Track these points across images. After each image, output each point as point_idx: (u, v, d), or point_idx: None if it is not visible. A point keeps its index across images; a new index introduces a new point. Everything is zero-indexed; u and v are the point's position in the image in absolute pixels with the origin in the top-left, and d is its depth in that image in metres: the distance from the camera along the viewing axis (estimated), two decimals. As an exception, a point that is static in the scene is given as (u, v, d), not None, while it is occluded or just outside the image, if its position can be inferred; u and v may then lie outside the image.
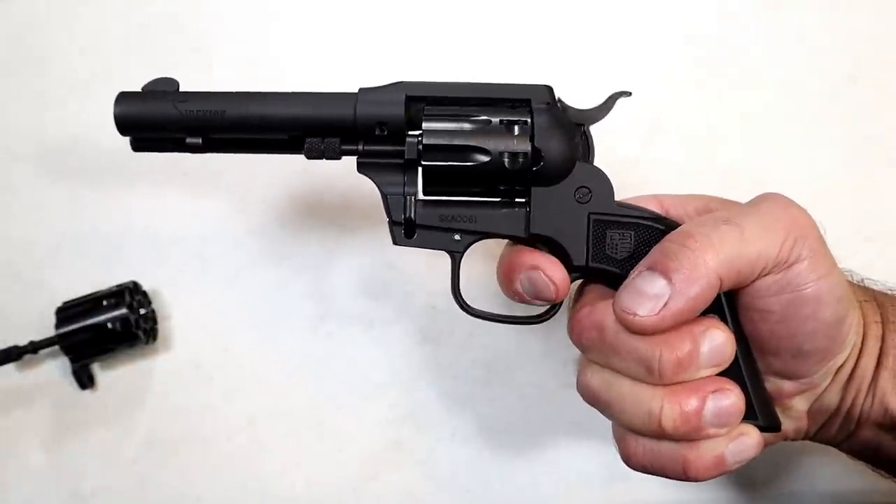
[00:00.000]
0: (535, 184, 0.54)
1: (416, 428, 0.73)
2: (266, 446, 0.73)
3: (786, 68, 0.76)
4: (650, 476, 0.51)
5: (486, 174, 0.53)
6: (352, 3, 0.77)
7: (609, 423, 0.53)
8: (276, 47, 0.76)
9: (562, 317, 0.57)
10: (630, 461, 0.52)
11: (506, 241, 0.57)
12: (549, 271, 0.54)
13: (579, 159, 0.55)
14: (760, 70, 0.76)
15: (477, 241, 0.56)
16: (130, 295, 0.70)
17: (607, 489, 0.73)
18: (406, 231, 0.55)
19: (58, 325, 0.69)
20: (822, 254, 0.50)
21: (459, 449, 0.73)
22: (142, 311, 0.71)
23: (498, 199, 0.55)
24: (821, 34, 0.77)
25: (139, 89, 0.56)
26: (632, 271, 0.50)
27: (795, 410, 0.54)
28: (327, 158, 0.55)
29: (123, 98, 0.55)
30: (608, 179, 0.55)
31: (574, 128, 0.55)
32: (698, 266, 0.48)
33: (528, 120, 0.53)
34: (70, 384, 0.72)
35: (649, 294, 0.48)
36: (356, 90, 0.55)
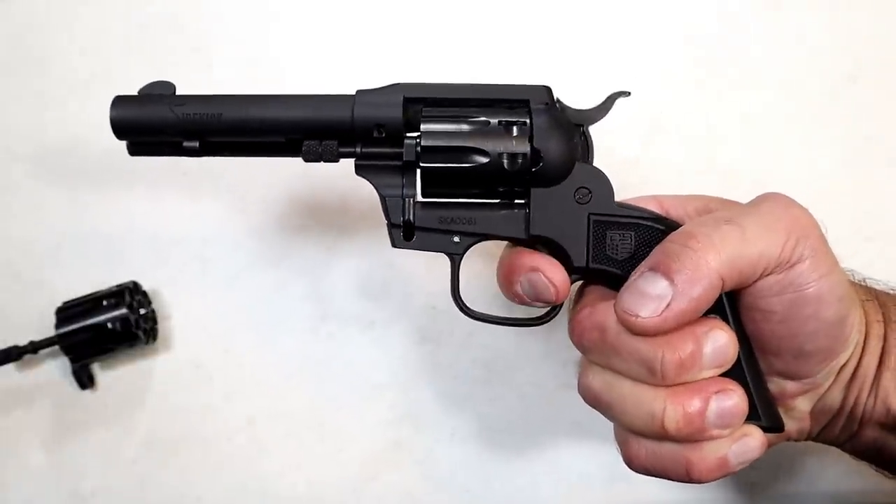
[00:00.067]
0: (535, 185, 0.54)
1: (416, 428, 0.73)
2: (266, 447, 0.73)
3: (786, 68, 0.76)
4: (651, 477, 0.51)
5: (485, 175, 0.53)
6: (352, 4, 0.77)
7: (610, 423, 0.53)
8: (276, 47, 0.76)
9: (563, 317, 0.57)
10: (632, 463, 0.51)
11: (505, 242, 0.57)
12: (549, 273, 0.53)
13: (579, 160, 0.54)
14: (760, 70, 0.76)
15: (476, 242, 0.55)
16: (130, 295, 0.70)
17: (608, 490, 0.73)
18: (405, 233, 0.55)
19: (58, 325, 0.69)
20: (823, 253, 0.49)
21: (459, 449, 0.73)
22: (142, 311, 0.71)
23: (497, 201, 0.55)
24: (821, 34, 0.77)
25: (136, 92, 0.56)
26: (633, 272, 0.50)
27: (798, 411, 0.54)
28: (325, 161, 0.55)
29: (119, 102, 0.55)
30: (608, 180, 0.54)
31: (573, 128, 0.55)
32: (700, 267, 0.47)
33: (527, 121, 0.53)
34: (70, 384, 0.72)
35: (651, 295, 0.48)
36: (354, 92, 0.54)
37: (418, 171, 0.54)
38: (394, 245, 0.55)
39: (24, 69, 0.76)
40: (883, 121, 0.76)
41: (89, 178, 0.74)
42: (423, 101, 0.54)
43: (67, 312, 0.70)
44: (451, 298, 0.57)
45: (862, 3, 0.77)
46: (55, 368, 0.73)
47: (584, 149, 0.55)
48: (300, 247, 0.74)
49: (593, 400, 0.52)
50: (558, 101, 0.55)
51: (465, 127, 0.53)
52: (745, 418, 0.49)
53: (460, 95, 0.54)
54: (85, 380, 0.71)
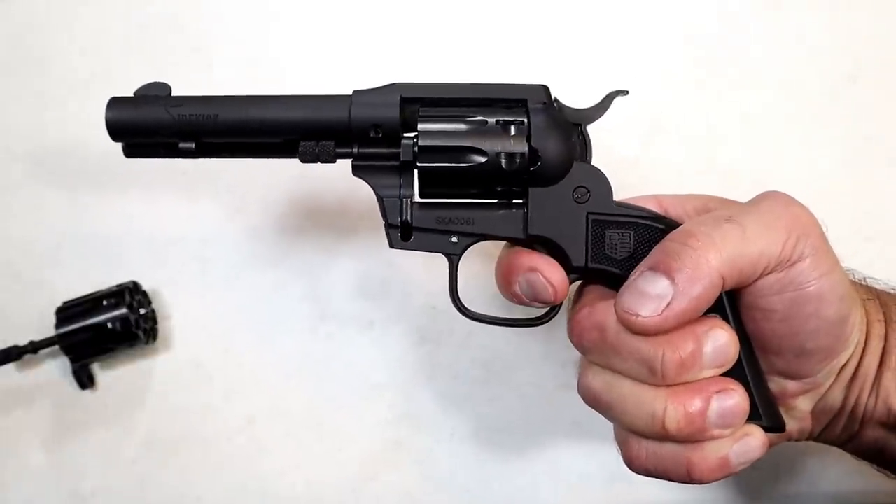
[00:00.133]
0: (533, 184, 0.53)
1: (416, 428, 0.73)
2: (266, 446, 0.73)
3: (786, 68, 0.76)
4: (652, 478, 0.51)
5: (482, 175, 0.53)
6: (352, 4, 0.77)
7: (610, 423, 0.53)
8: (276, 47, 0.76)
9: (562, 317, 0.57)
10: (633, 464, 0.51)
11: (504, 242, 0.57)
12: (548, 273, 0.53)
13: (577, 159, 0.54)
14: (760, 70, 0.76)
15: (474, 243, 0.55)
16: (130, 295, 0.70)
17: (608, 490, 0.72)
18: (402, 234, 0.55)
19: (58, 325, 0.69)
20: (824, 252, 0.49)
21: (459, 449, 0.73)
22: (142, 311, 0.71)
23: (495, 201, 0.55)
24: (821, 34, 0.77)
25: (132, 94, 0.55)
26: (633, 272, 0.50)
27: (799, 410, 0.54)
28: (322, 162, 0.55)
29: (115, 103, 0.54)
30: (606, 179, 0.54)
31: (571, 127, 0.54)
32: (701, 265, 0.47)
33: (525, 120, 0.53)
34: (70, 384, 0.72)
35: (652, 294, 0.48)
36: (350, 92, 0.54)
37: (416, 171, 0.54)
38: (391, 246, 0.55)
39: (24, 69, 0.76)
40: (883, 121, 0.76)
41: (89, 178, 0.74)
42: (420, 101, 0.54)
43: (67, 312, 0.70)
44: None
45: (862, 3, 0.77)
46: (55, 368, 0.73)
47: (583, 148, 0.55)
48: (300, 247, 0.74)
49: (593, 400, 0.52)
50: (556, 100, 0.55)
51: (462, 126, 0.53)
52: (746, 418, 0.49)
53: (458, 95, 0.54)
54: (85, 380, 0.71)
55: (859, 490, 0.71)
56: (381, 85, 0.54)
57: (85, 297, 0.71)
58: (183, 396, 0.73)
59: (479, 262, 0.69)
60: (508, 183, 0.53)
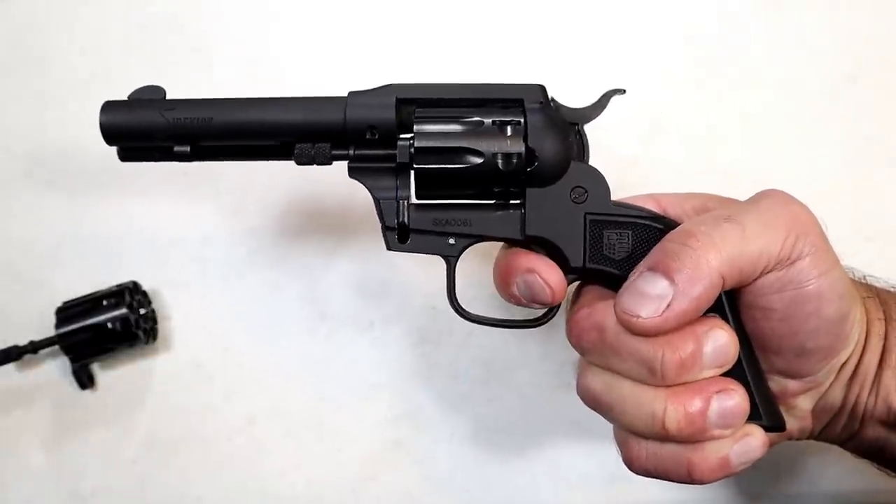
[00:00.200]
0: (530, 185, 0.53)
1: (415, 428, 0.73)
2: (266, 446, 0.73)
3: (786, 68, 0.76)
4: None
5: (479, 176, 0.52)
6: (352, 4, 0.77)
7: (609, 423, 0.53)
8: (276, 47, 0.76)
9: (562, 317, 0.57)
10: (633, 465, 0.51)
11: (501, 243, 0.57)
12: (545, 274, 0.53)
13: (574, 159, 0.54)
14: (760, 70, 0.76)
15: (472, 244, 0.55)
16: (130, 295, 0.70)
17: (608, 489, 0.72)
18: (400, 236, 0.55)
19: (58, 325, 0.69)
20: (824, 250, 0.49)
21: (458, 449, 0.73)
22: (142, 311, 0.71)
23: (492, 202, 0.54)
24: (821, 34, 0.77)
25: (130, 94, 0.55)
26: (632, 272, 0.50)
27: (800, 409, 0.54)
28: (318, 164, 0.55)
29: (109, 107, 0.54)
30: (604, 179, 0.54)
31: (568, 127, 0.54)
32: (701, 265, 0.47)
33: (521, 120, 0.53)
34: (70, 384, 0.72)
35: (651, 295, 0.48)
36: (346, 93, 0.54)
37: (412, 172, 0.53)
38: (389, 248, 0.55)
39: (24, 69, 0.76)
40: (883, 121, 0.76)
41: (89, 177, 0.74)
42: (415, 102, 0.54)
43: (67, 312, 0.70)
44: (449, 299, 0.57)
45: (862, 3, 0.77)
46: (55, 368, 0.73)
47: (580, 147, 0.55)
48: (300, 247, 0.74)
49: (593, 401, 0.52)
50: (552, 99, 0.55)
51: (458, 127, 0.53)
52: (746, 418, 0.49)
53: (453, 95, 0.54)
54: (85, 380, 0.71)
55: (860, 489, 0.71)
56: (376, 86, 0.54)
57: (85, 297, 0.71)
58: (183, 396, 0.73)
59: (478, 262, 0.69)
60: (505, 184, 0.53)
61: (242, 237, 0.74)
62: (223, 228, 0.74)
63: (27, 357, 0.70)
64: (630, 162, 0.75)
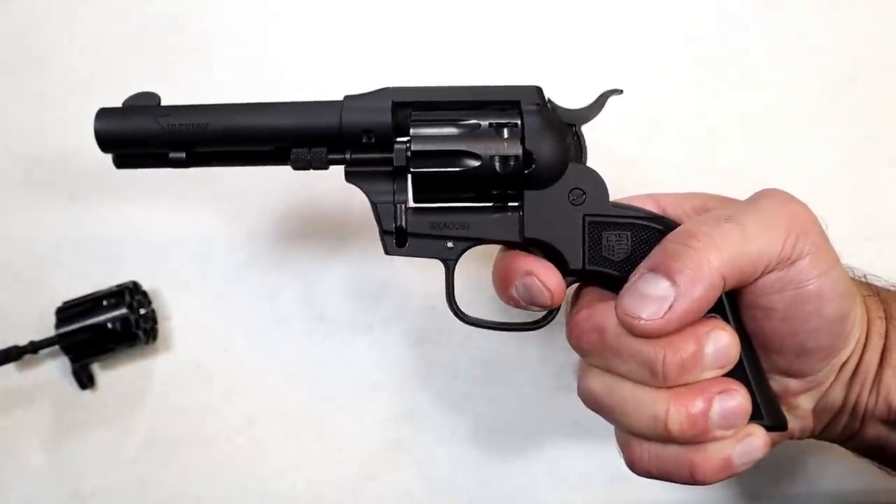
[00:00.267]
0: (528, 187, 0.53)
1: (415, 428, 0.73)
2: (266, 446, 0.73)
3: (786, 68, 0.76)
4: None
5: (476, 179, 0.52)
6: (352, 4, 0.77)
7: (610, 424, 0.53)
8: (276, 47, 0.76)
9: (562, 318, 0.57)
10: (635, 467, 0.51)
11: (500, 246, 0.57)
12: (544, 277, 0.53)
13: (572, 160, 0.54)
14: (760, 70, 0.76)
15: (470, 247, 0.55)
16: (130, 295, 0.70)
17: (608, 490, 0.72)
18: (397, 240, 0.54)
19: (58, 325, 0.69)
20: (824, 250, 0.49)
21: (458, 449, 0.73)
22: (142, 311, 0.71)
23: (490, 205, 0.54)
24: (821, 34, 0.77)
25: (130, 95, 0.55)
26: (633, 273, 0.50)
27: (801, 409, 0.54)
28: (314, 169, 0.54)
29: (103, 114, 0.54)
30: (602, 180, 0.54)
31: (565, 128, 0.54)
32: (702, 266, 0.47)
33: (518, 122, 0.52)
34: (70, 384, 0.72)
35: (653, 296, 0.47)
36: (342, 97, 0.54)
37: (409, 176, 0.53)
38: (387, 252, 0.55)
39: (24, 69, 0.76)
40: (883, 121, 0.76)
41: (90, 178, 0.74)
42: (411, 105, 0.53)
43: (67, 312, 0.70)
44: (448, 301, 0.57)
45: (862, 3, 0.77)
46: (55, 368, 0.73)
47: (578, 149, 0.54)
48: (299, 247, 0.74)
49: (594, 403, 0.52)
50: (549, 100, 0.55)
51: (455, 130, 0.52)
52: (748, 418, 0.49)
53: (450, 98, 0.54)
54: (85, 380, 0.71)
55: (860, 488, 0.71)
56: (372, 90, 0.54)
57: (85, 297, 0.71)
58: (183, 396, 0.73)
59: (476, 264, 0.68)
60: (503, 186, 0.53)
61: (243, 237, 0.74)
62: (223, 228, 0.74)
63: (27, 357, 0.70)
64: (630, 162, 0.75)
